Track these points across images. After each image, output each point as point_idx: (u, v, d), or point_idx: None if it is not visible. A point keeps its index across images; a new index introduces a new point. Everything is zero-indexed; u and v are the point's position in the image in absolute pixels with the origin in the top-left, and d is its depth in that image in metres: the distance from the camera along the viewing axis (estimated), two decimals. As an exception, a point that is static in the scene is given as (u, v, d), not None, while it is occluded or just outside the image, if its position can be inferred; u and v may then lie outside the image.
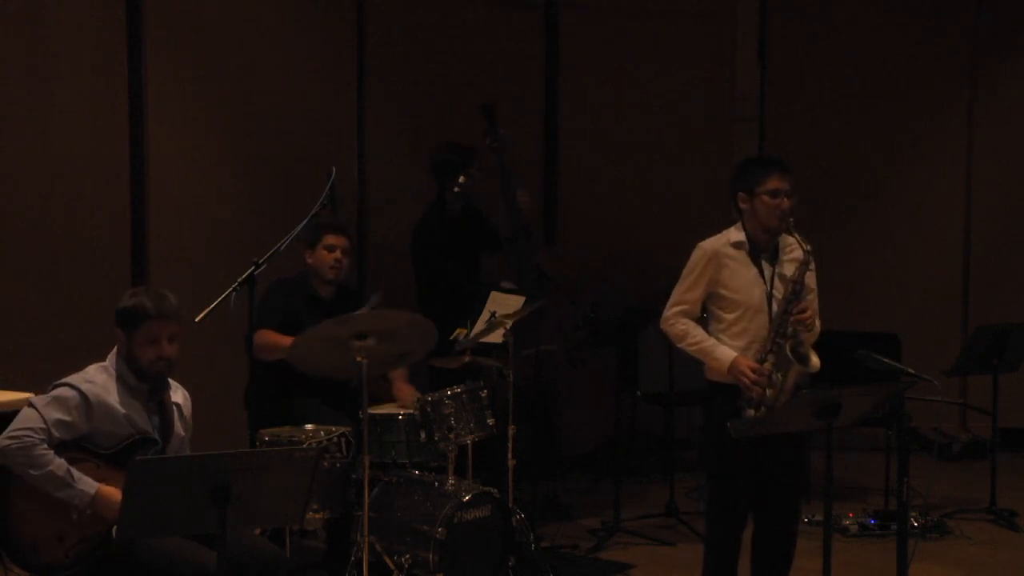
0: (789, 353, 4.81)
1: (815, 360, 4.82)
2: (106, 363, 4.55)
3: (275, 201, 7.34)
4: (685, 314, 5.00)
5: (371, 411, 5.63)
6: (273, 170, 7.55)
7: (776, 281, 4.94)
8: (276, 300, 6.03)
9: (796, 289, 4.88)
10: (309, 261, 6.17)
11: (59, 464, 4.31)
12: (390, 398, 6.20)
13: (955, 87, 9.37)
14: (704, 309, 5.03)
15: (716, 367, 4.93)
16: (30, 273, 6.74)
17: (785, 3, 9.39)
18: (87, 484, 4.34)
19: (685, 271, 5.01)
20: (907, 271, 9.38)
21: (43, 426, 4.34)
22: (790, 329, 4.86)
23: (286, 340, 5.64)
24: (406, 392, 6.14)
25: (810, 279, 4.97)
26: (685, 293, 5.00)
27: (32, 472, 4.29)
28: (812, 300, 5.01)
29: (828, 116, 9.35)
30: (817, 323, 4.97)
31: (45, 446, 4.31)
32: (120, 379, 4.51)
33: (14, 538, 4.37)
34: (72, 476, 4.32)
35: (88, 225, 6.92)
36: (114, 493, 4.33)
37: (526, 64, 8.79)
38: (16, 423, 4.37)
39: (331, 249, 6.14)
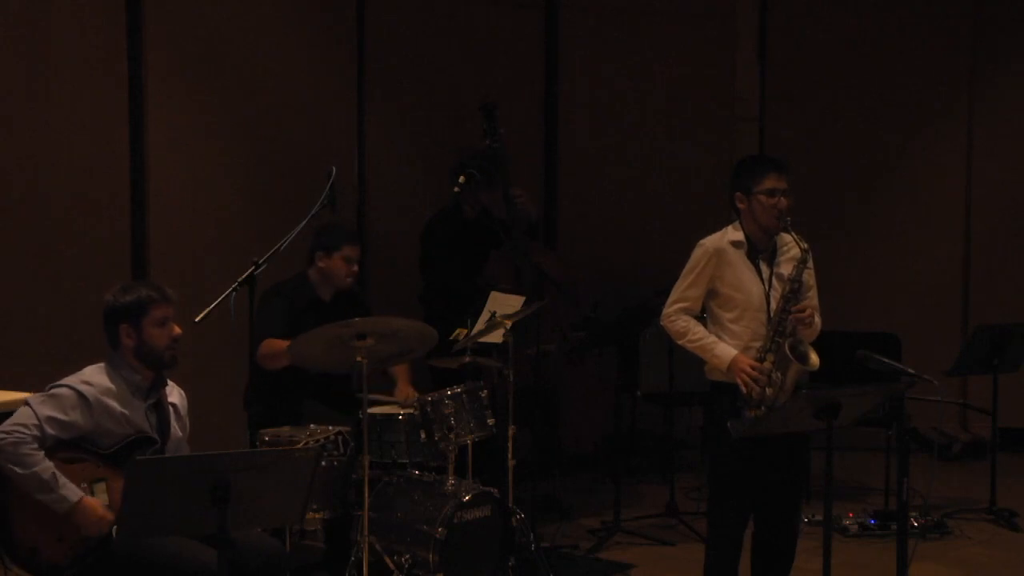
0: (788, 352, 4.81)
1: (814, 358, 4.82)
2: (103, 364, 4.54)
3: (275, 201, 7.33)
4: (686, 311, 5.01)
5: (371, 411, 5.62)
6: (273, 170, 7.54)
7: (774, 281, 4.94)
8: (278, 306, 5.99)
9: (795, 288, 4.88)
10: (321, 265, 6.12)
11: (46, 467, 4.27)
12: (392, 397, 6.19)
13: (955, 88, 9.37)
14: (703, 308, 5.04)
15: (716, 364, 4.93)
16: (30, 273, 6.73)
17: (785, 3, 9.39)
18: (71, 491, 4.30)
19: (687, 268, 5.02)
20: (907, 271, 9.38)
21: (36, 422, 4.31)
22: (789, 328, 4.86)
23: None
24: (406, 394, 6.12)
25: (809, 276, 4.97)
26: (686, 290, 5.00)
27: (17, 470, 4.25)
28: (812, 297, 5.01)
29: (828, 116, 9.35)
30: (818, 319, 4.98)
31: (35, 445, 4.28)
32: (121, 378, 4.50)
33: (14, 538, 4.35)
34: (57, 481, 4.27)
35: (88, 225, 6.92)
36: (96, 507, 4.32)
37: (526, 64, 8.79)
38: (9, 420, 4.34)
39: (349, 261, 6.12)
